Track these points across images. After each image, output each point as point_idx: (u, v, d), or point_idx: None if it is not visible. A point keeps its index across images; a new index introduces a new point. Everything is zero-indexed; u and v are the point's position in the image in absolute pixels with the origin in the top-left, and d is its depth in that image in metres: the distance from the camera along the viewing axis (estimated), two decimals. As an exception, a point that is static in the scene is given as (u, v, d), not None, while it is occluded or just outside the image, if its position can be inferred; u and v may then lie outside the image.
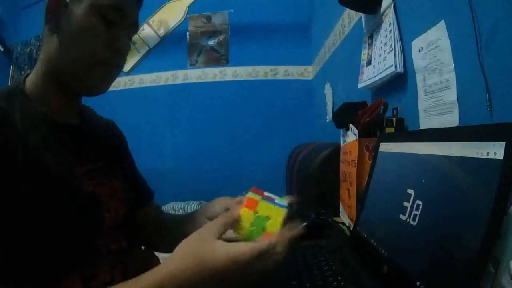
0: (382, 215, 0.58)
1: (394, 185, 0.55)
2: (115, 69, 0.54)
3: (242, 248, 0.36)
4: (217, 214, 0.53)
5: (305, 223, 0.77)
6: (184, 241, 0.39)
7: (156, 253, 0.67)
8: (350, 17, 1.37)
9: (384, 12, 0.97)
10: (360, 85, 1.13)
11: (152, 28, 2.52)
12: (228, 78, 2.47)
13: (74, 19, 0.48)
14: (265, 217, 0.42)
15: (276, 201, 0.47)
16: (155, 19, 2.53)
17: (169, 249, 0.44)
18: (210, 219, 0.55)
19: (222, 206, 0.58)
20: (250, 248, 0.36)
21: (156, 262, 0.64)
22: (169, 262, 0.37)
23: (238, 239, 0.40)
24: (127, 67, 2.50)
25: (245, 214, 0.42)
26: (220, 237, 0.39)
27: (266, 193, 0.48)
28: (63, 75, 0.50)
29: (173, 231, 0.66)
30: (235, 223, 0.41)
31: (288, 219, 0.44)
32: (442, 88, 0.69)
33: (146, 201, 0.71)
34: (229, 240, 0.38)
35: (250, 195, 0.44)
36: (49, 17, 0.49)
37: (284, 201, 0.48)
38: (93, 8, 0.48)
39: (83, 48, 0.48)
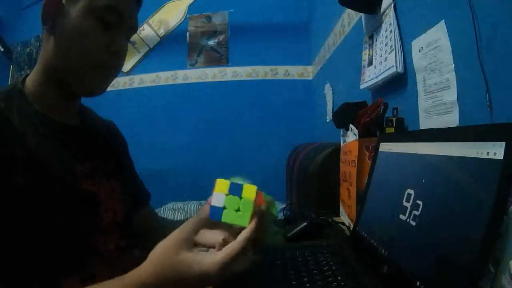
0: (382, 215, 0.58)
1: (394, 185, 0.55)
2: (113, 71, 0.54)
3: (212, 261, 0.37)
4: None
5: (305, 223, 0.77)
6: (160, 246, 0.39)
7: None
8: (350, 17, 1.37)
9: (384, 12, 0.97)
10: (362, 86, 1.13)
11: (152, 28, 2.52)
12: (228, 78, 2.47)
13: (70, 21, 0.47)
14: (238, 198, 0.42)
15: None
16: (155, 19, 2.53)
17: None
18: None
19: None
20: (220, 261, 0.37)
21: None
22: (143, 267, 0.39)
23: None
24: (127, 67, 2.50)
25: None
26: (189, 246, 0.39)
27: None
28: (62, 76, 0.50)
29: (167, 234, 0.66)
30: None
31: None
32: (442, 88, 0.69)
33: (143, 203, 0.71)
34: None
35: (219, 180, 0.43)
36: (46, 18, 0.48)
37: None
38: (90, 10, 0.47)
39: (80, 50, 0.48)
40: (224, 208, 0.41)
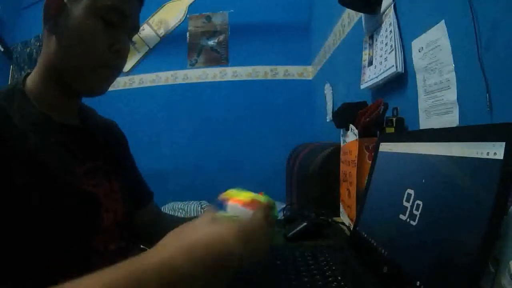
0: (382, 215, 0.58)
1: (394, 185, 0.55)
2: (115, 71, 0.54)
3: (227, 221, 0.37)
4: None
5: (305, 223, 0.77)
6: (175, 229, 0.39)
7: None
8: (350, 17, 1.37)
9: (384, 12, 0.97)
10: (362, 86, 1.13)
11: (152, 28, 2.52)
12: (228, 78, 2.47)
13: (73, 20, 0.47)
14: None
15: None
16: (155, 19, 2.53)
17: None
18: None
19: None
20: (234, 221, 0.37)
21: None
22: (154, 250, 0.35)
23: None
24: (127, 67, 2.50)
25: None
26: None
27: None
28: (63, 75, 0.50)
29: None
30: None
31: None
32: (442, 88, 0.69)
33: (146, 202, 0.71)
34: None
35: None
36: (48, 17, 0.48)
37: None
38: (92, 9, 0.47)
39: (82, 50, 0.48)
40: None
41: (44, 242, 0.43)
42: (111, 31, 0.49)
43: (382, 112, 0.80)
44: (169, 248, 0.34)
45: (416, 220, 0.45)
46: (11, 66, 2.64)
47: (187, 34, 2.52)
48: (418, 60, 0.78)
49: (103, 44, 0.49)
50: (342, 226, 0.86)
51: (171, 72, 2.51)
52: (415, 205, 0.46)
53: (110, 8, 0.48)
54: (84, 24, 0.47)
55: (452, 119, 0.65)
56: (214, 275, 0.33)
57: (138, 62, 2.54)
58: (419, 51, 0.77)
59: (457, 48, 0.64)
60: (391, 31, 0.91)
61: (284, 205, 1.12)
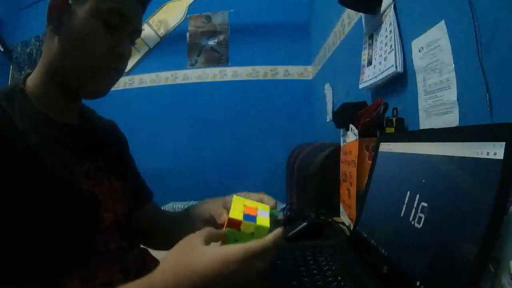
0: (382, 215, 0.58)
1: (394, 185, 0.55)
2: (116, 73, 0.54)
3: (232, 249, 0.37)
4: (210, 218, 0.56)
5: (305, 223, 0.77)
6: (172, 250, 0.40)
7: (155, 252, 0.68)
8: (350, 17, 1.37)
9: (384, 12, 0.97)
10: (361, 86, 1.13)
11: (152, 28, 2.52)
12: (228, 78, 2.47)
13: (76, 22, 0.47)
14: (250, 234, 0.43)
15: (258, 212, 0.46)
16: (155, 19, 2.53)
17: (167, 248, 0.45)
18: (207, 223, 0.57)
19: (214, 209, 0.58)
20: (242, 248, 0.37)
21: (155, 262, 0.64)
22: (158, 272, 0.38)
23: None
24: (127, 67, 2.50)
25: (230, 233, 0.42)
26: (208, 243, 0.40)
27: (248, 202, 0.48)
28: (64, 76, 0.50)
29: (171, 231, 0.67)
30: (221, 238, 0.42)
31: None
32: (442, 88, 0.69)
33: (146, 201, 0.72)
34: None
35: (232, 214, 0.43)
36: (51, 18, 0.48)
37: (266, 207, 0.49)
38: (95, 12, 0.48)
39: (83, 51, 0.48)
40: (239, 231, 0.42)
41: (44, 242, 0.43)
42: (113, 33, 0.50)
43: (382, 112, 0.80)
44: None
45: (416, 220, 0.45)
46: (11, 66, 2.64)
47: (187, 34, 2.52)
48: (418, 60, 0.78)
49: (104, 46, 0.49)
50: (342, 226, 0.86)
51: (171, 72, 2.51)
52: (415, 205, 0.46)
53: (112, 11, 0.49)
54: (86, 26, 0.48)
55: (452, 119, 0.65)
56: None
57: (138, 62, 2.54)
58: (419, 51, 0.77)
59: (457, 48, 0.64)
60: (391, 31, 0.91)
61: (284, 205, 1.12)
